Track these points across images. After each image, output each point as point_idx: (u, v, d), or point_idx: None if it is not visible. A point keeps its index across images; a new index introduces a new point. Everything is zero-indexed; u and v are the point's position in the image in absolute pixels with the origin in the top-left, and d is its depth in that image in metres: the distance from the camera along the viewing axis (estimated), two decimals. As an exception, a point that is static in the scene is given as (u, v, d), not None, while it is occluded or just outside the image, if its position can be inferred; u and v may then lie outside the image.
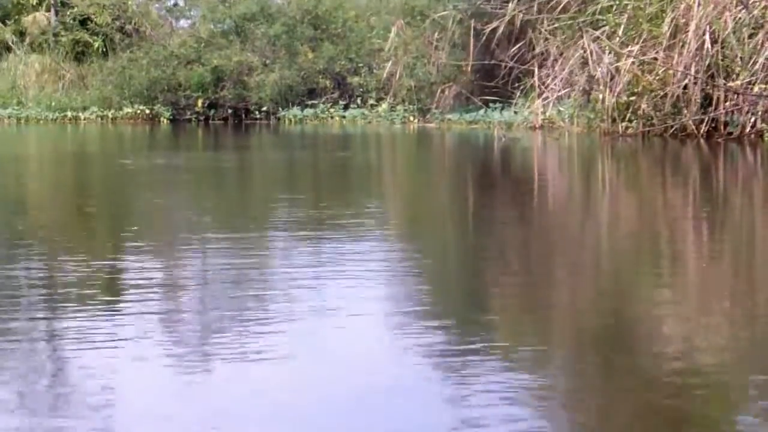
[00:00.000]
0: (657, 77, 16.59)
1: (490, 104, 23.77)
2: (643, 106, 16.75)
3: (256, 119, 30.19)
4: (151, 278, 4.53)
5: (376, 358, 3.19)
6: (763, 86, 15.12)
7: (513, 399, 2.68)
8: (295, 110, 29.55)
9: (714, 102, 16.02)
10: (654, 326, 3.67)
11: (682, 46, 16.23)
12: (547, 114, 19.69)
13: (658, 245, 5.86)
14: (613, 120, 17.15)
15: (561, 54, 19.52)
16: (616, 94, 17.03)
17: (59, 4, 33.06)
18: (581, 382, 2.97)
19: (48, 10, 33.39)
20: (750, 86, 15.37)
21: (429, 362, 3.10)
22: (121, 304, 3.96)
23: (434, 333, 3.49)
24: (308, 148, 18.00)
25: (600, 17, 17.97)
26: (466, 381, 2.88)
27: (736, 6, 15.59)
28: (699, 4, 15.96)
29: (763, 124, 15.27)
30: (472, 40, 23.73)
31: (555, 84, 19.35)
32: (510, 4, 20.96)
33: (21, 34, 33.29)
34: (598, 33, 17.52)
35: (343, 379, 2.94)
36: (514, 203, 8.30)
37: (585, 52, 17.72)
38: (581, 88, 18.48)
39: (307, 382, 2.89)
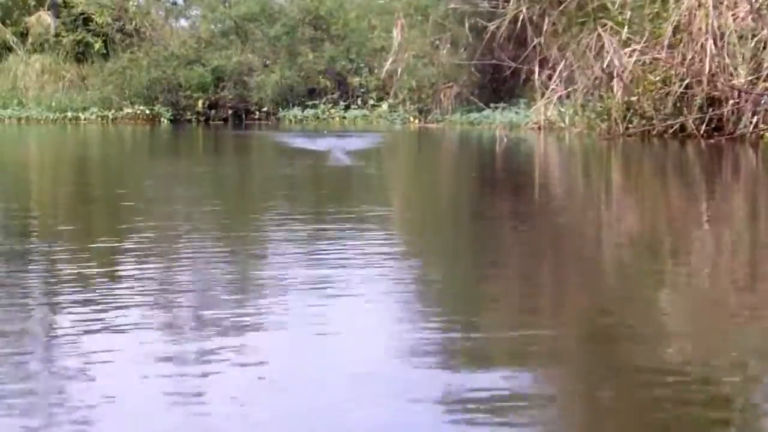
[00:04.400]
0: (659, 77, 16.57)
1: (492, 104, 23.75)
2: (644, 106, 16.73)
3: (256, 119, 30.16)
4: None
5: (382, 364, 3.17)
6: (767, 84, 15.10)
7: (517, 405, 2.65)
8: (296, 110, 29.52)
9: (715, 102, 15.99)
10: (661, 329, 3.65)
11: (685, 45, 16.20)
12: (548, 114, 19.67)
13: (661, 250, 5.85)
14: (614, 120, 17.12)
15: (562, 54, 19.49)
16: (617, 94, 17.00)
17: (62, 4, 33.03)
18: (586, 389, 2.95)
19: (49, 10, 33.37)
20: (753, 85, 15.34)
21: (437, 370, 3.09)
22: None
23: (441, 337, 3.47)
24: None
25: (601, 14, 17.94)
26: (471, 386, 2.87)
27: (741, 6, 15.56)
28: (700, 4, 15.93)
29: (763, 125, 15.24)
30: (473, 39, 23.71)
31: (556, 84, 19.33)
32: (511, 3, 20.93)
33: (22, 34, 33.26)
34: (600, 32, 17.48)
35: (342, 382, 2.91)
36: (534, 205, 8.30)
37: (588, 50, 17.64)
38: (582, 89, 18.45)
39: (305, 386, 2.88)
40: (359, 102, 29.47)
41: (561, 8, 19.18)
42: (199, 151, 18.21)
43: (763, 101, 15.13)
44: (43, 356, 3.03)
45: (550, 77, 19.78)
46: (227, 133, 24.83)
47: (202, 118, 30.50)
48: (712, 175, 11.01)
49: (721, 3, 15.74)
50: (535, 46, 20.56)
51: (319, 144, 15.39)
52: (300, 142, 16.62)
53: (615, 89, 16.99)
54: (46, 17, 33.25)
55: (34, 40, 32.83)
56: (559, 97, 19.37)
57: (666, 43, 16.40)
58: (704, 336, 3.39)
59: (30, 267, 4.66)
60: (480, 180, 10.78)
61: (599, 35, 17.26)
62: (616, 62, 16.78)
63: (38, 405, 2.55)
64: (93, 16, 32.09)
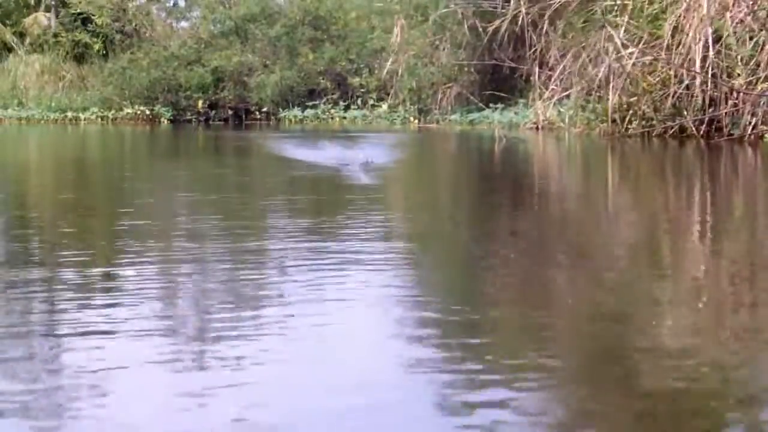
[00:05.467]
0: (658, 78, 16.59)
1: (491, 105, 23.78)
2: (644, 106, 16.75)
3: (256, 119, 30.21)
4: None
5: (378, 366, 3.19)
6: (766, 85, 15.12)
7: (516, 411, 2.66)
8: (296, 111, 29.57)
9: (715, 103, 16.02)
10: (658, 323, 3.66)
11: (683, 46, 16.22)
12: (548, 114, 19.70)
13: (659, 252, 5.86)
14: (613, 121, 17.16)
15: (562, 55, 19.52)
16: (616, 94, 17.03)
17: (60, 5, 33.07)
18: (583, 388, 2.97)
19: (48, 10, 33.41)
20: (752, 86, 15.37)
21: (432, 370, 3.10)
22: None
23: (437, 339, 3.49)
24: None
25: (600, 17, 17.97)
26: (465, 390, 2.89)
27: (739, 8, 15.59)
28: (699, 5, 15.95)
29: (763, 126, 15.27)
30: (473, 39, 23.74)
31: (556, 84, 19.36)
32: (511, 3, 20.95)
33: (21, 35, 33.31)
34: (601, 34, 17.51)
35: (339, 386, 2.93)
36: (539, 204, 8.31)
37: (589, 51, 17.67)
38: (582, 89, 18.48)
39: (303, 390, 2.90)
40: (359, 102, 29.51)
41: (557, 2, 19.16)
42: (198, 154, 18.22)
43: (762, 102, 15.15)
44: (44, 359, 3.05)
45: (549, 77, 19.82)
46: (227, 134, 24.82)
47: (202, 119, 30.55)
48: (713, 177, 11.01)
49: (720, 5, 15.77)
50: (534, 47, 20.59)
51: (327, 153, 13.33)
52: (303, 152, 14.04)
53: (613, 92, 17.00)
54: (44, 18, 33.30)
55: (33, 40, 32.89)
56: (559, 99, 19.40)
57: (665, 44, 16.42)
58: (709, 340, 3.41)
59: (31, 271, 4.68)
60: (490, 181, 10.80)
61: (598, 39, 17.29)
62: (615, 66, 16.80)
63: (40, 408, 2.57)
64: (92, 17, 32.14)
